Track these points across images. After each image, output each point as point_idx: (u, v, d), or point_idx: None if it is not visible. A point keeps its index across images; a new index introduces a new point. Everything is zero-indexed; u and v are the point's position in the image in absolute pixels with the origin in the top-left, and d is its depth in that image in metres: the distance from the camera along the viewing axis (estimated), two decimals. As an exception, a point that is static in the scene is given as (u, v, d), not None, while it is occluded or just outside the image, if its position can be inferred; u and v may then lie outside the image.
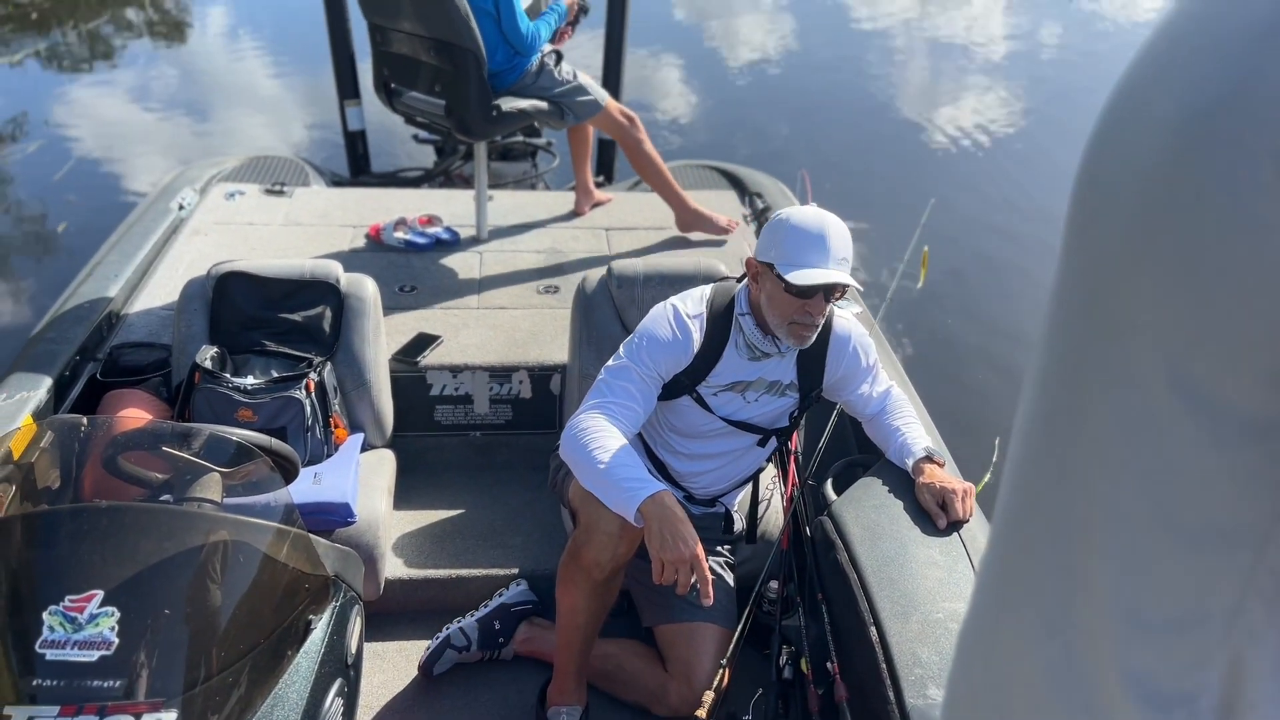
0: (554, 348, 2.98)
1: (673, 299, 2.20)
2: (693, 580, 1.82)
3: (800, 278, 1.97)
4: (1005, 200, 5.84)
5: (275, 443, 1.89)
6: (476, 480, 2.90)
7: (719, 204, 3.89)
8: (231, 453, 1.80)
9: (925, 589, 1.93)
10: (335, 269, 2.69)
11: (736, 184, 4.19)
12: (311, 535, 1.77)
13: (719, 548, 2.38)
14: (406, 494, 2.78)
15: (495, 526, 2.71)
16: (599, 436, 1.95)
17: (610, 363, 2.11)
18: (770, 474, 2.57)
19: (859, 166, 6.35)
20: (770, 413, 2.25)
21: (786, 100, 7.04)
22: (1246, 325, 0.36)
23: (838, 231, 2.02)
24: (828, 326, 2.23)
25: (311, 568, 1.74)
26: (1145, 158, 0.39)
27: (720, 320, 2.17)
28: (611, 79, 4.55)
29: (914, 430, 2.27)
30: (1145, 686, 0.43)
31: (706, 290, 2.23)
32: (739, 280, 2.26)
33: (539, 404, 2.95)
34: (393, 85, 3.51)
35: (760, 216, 3.78)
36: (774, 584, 2.27)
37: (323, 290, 2.68)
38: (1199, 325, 0.38)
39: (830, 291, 2.02)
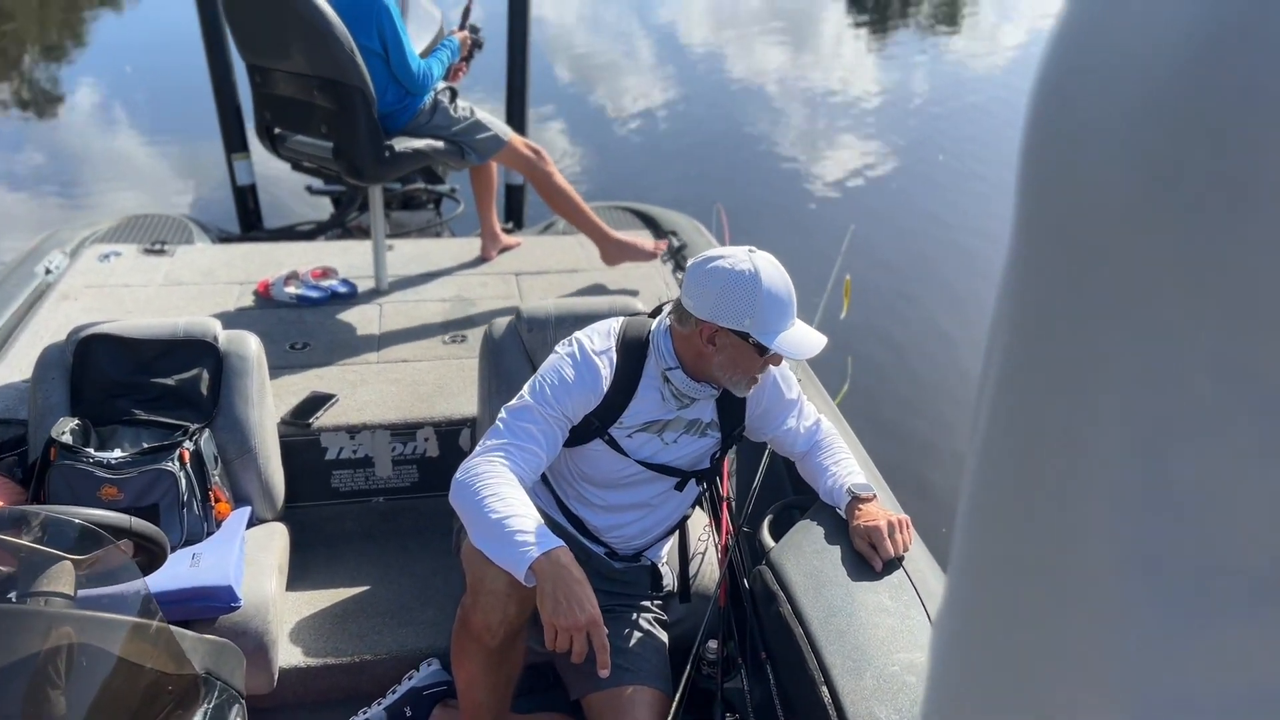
0: (462, 400, 2.76)
1: (577, 334, 2.02)
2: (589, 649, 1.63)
3: (793, 348, 1.84)
4: (919, 225, 5.83)
5: (136, 522, 1.64)
6: (381, 551, 2.64)
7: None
8: (75, 536, 1.54)
9: (878, 639, 1.76)
10: (212, 326, 2.45)
11: (650, 223, 4.05)
12: (177, 628, 1.52)
13: (648, 603, 2.17)
14: (302, 571, 2.51)
15: (403, 602, 2.46)
16: (492, 483, 1.74)
17: (511, 403, 1.91)
18: (702, 524, 2.39)
19: (768, 199, 6.30)
20: (691, 454, 2.07)
21: (685, 148, 7.00)
22: None
23: (791, 282, 1.90)
24: None
25: (176, 666, 1.49)
26: (1146, 85, 0.31)
27: (633, 356, 1.99)
28: (516, 114, 4.38)
29: (844, 466, 2.11)
30: None
31: (615, 324, 2.05)
32: (652, 315, 2.09)
33: (447, 463, 2.72)
34: (276, 130, 3.29)
35: (677, 255, 3.63)
36: (713, 643, 2.07)
37: (199, 350, 2.42)
38: (1251, 288, 0.29)
39: None
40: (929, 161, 6.59)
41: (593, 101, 7.51)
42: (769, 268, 1.87)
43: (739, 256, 1.87)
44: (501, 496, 1.73)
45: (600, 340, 1.99)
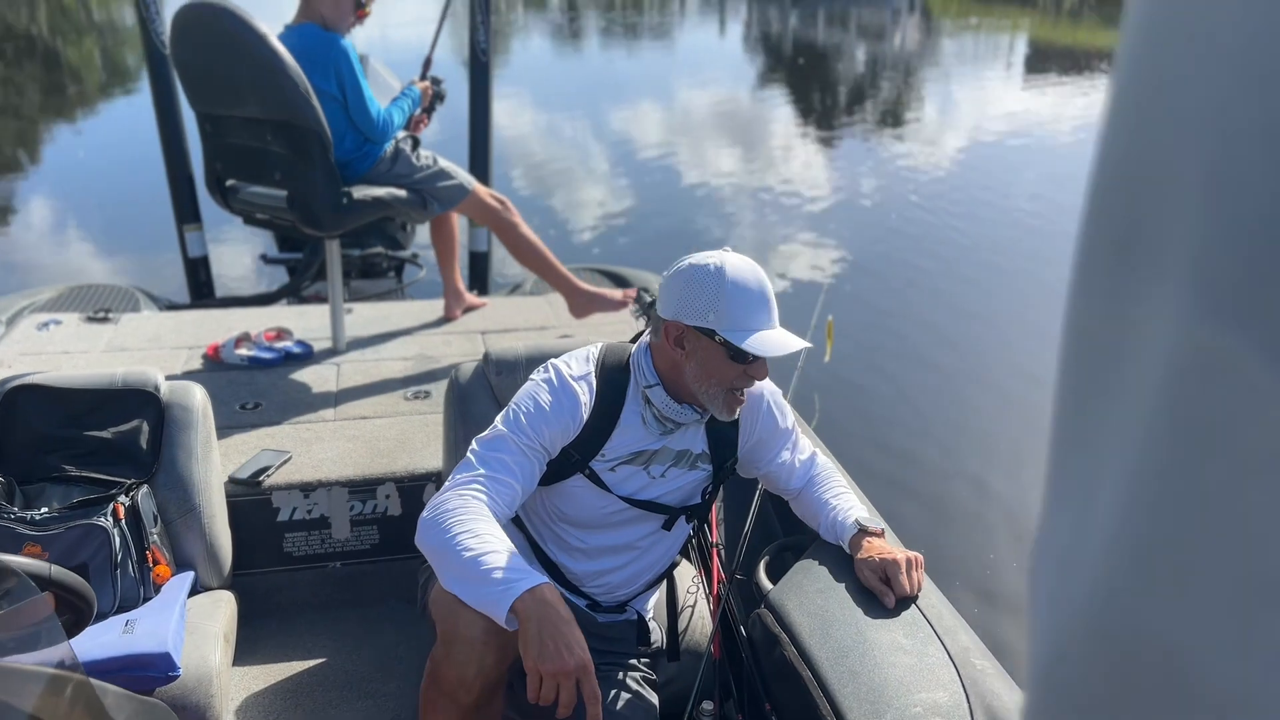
0: (426, 454, 2.58)
1: (553, 360, 1.86)
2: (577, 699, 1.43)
3: (762, 345, 1.67)
4: (900, 266, 5.79)
5: (56, 570, 1.43)
6: (338, 621, 2.42)
7: None
8: (-19, 582, 1.34)
9: (895, 679, 1.58)
10: (153, 375, 2.25)
11: (620, 281, 3.94)
12: (99, 682, 1.31)
13: (634, 660, 1.97)
14: (251, 643, 2.28)
15: (363, 673, 2.23)
16: (464, 519, 1.56)
17: (482, 434, 1.73)
18: (690, 574, 2.20)
19: (739, 248, 6.25)
20: (680, 489, 1.90)
21: (639, 244, 6.99)
22: None
23: (768, 283, 1.75)
24: None
25: None
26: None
27: (614, 381, 1.83)
28: (479, 166, 4.28)
29: (846, 500, 1.95)
30: None
31: (594, 349, 1.90)
32: (632, 341, 1.95)
33: (410, 522, 2.52)
34: (228, 182, 3.15)
35: (649, 309, 3.50)
36: (708, 704, 1.87)
37: (139, 400, 2.23)
38: None
39: None
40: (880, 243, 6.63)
41: (551, 207, 7.49)
42: (737, 261, 1.72)
43: (709, 253, 1.74)
44: (475, 533, 1.55)
45: (579, 365, 1.83)
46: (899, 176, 7.71)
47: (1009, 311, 5.42)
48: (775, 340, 1.70)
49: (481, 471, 1.64)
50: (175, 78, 3.98)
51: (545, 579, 1.49)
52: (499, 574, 1.48)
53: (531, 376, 1.82)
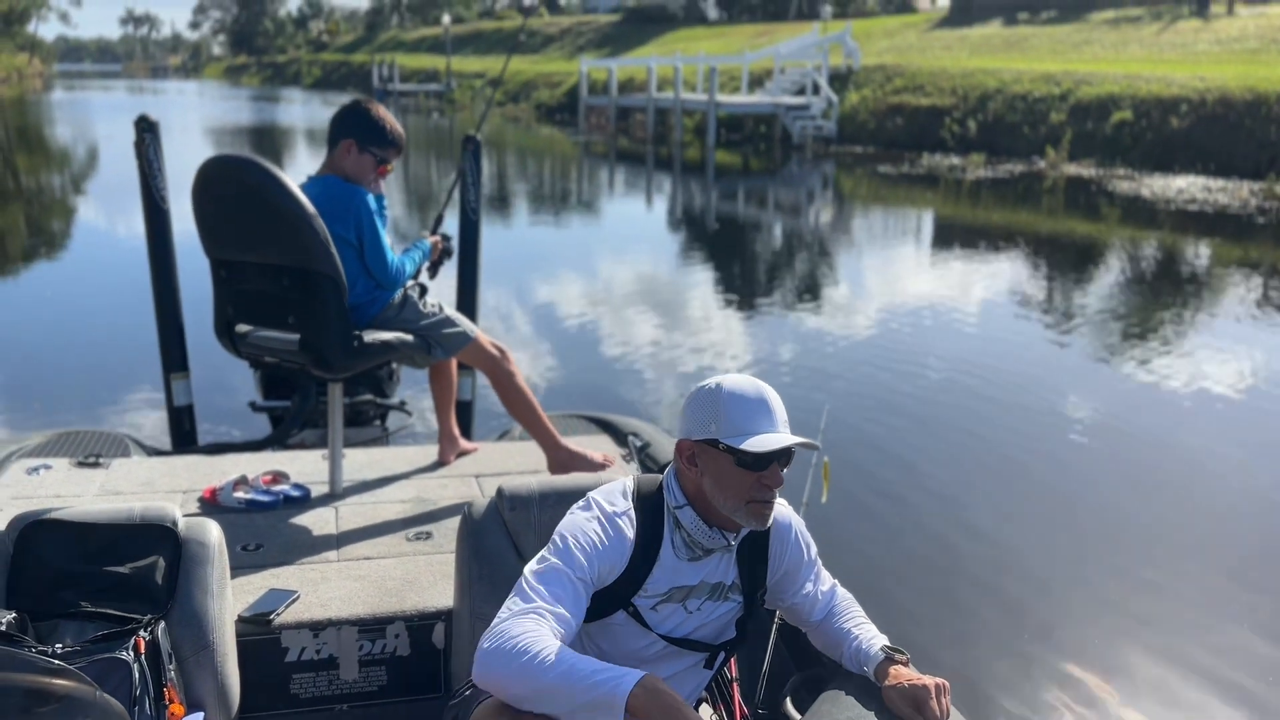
0: (434, 594, 2.57)
1: (592, 494, 1.90)
2: None
3: (758, 444, 1.73)
4: (889, 402, 5.93)
5: (101, 696, 1.43)
6: None
7: (594, 446, 3.67)
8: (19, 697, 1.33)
9: None
10: (171, 511, 2.26)
11: (609, 428, 4.02)
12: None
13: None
14: None
15: None
16: (537, 638, 1.57)
17: (531, 565, 1.76)
18: (707, 714, 2.20)
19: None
20: (715, 623, 1.93)
21: (633, 382, 7.14)
22: None
23: (774, 394, 1.83)
24: None
25: None
26: None
27: (652, 515, 1.88)
28: (466, 312, 4.39)
29: (867, 630, 1.99)
30: None
31: (628, 482, 1.95)
32: (662, 470, 2.01)
33: (420, 662, 2.49)
34: (239, 326, 3.22)
35: (641, 453, 3.58)
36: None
37: (156, 536, 2.22)
38: None
39: (786, 458, 1.79)
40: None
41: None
42: (736, 376, 1.83)
43: (718, 376, 1.85)
44: (553, 649, 1.55)
45: (620, 500, 1.87)
46: (819, 344, 8.02)
47: (954, 465, 5.57)
48: (773, 437, 1.76)
49: (538, 602, 1.65)
50: (171, 230, 4.10)
51: (645, 672, 1.51)
52: (600, 677, 1.50)
53: (572, 511, 1.86)
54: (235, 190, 2.95)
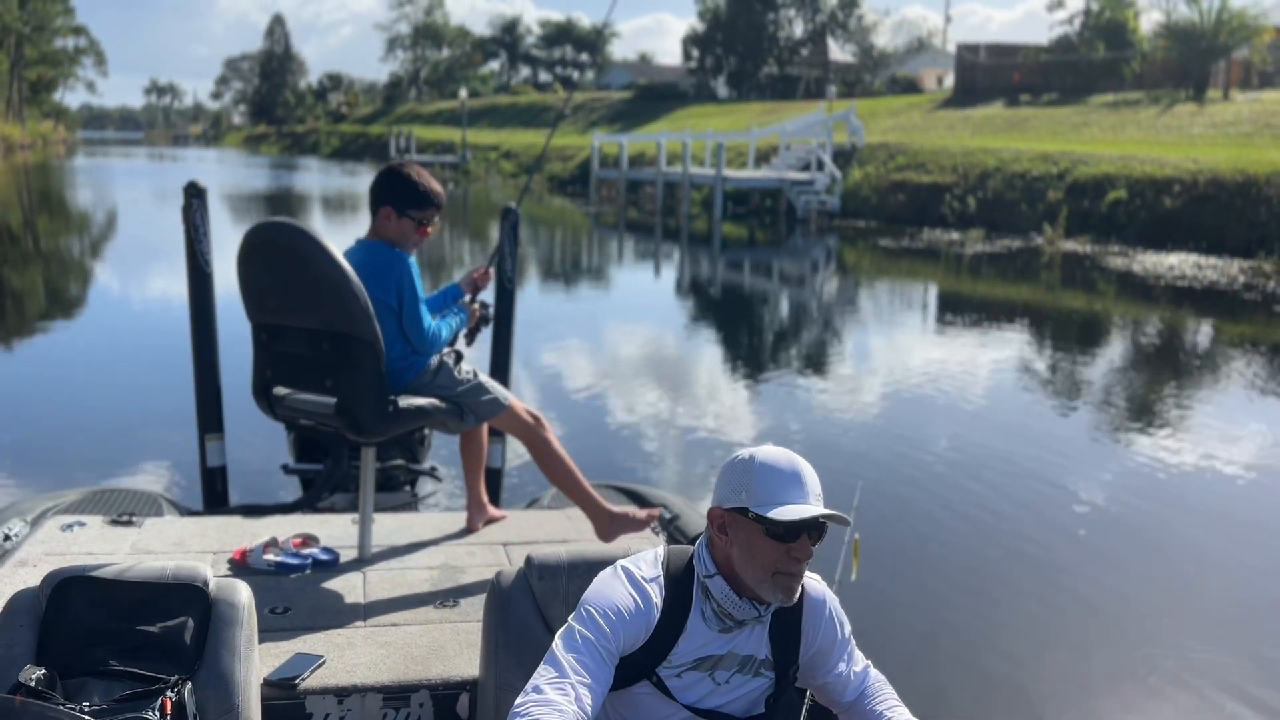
0: (460, 663, 2.55)
1: (620, 561, 1.90)
2: None
3: (785, 514, 1.73)
4: (921, 479, 5.85)
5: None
6: None
7: None
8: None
9: None
10: (203, 571, 2.27)
11: (637, 499, 4.00)
12: None
13: None
14: None
15: None
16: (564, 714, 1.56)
17: (561, 632, 1.75)
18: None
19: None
20: (744, 698, 1.90)
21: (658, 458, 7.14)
22: None
23: (808, 467, 1.83)
24: (800, 590, 1.96)
25: None
26: None
27: (681, 584, 1.87)
28: (500, 378, 4.41)
29: (901, 714, 1.96)
30: None
31: (660, 550, 1.94)
32: (692, 542, 2.00)
33: None
34: (276, 389, 3.26)
35: (669, 525, 3.55)
36: None
37: (187, 596, 2.23)
38: None
39: (816, 531, 1.78)
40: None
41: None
42: (770, 447, 1.83)
43: (752, 447, 1.85)
44: None
45: (648, 567, 1.87)
46: (841, 420, 7.99)
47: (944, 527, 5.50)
48: (803, 508, 1.73)
49: (566, 672, 1.65)
50: (214, 294, 4.18)
51: None
52: None
53: (601, 577, 1.85)
54: (282, 256, 3.02)
